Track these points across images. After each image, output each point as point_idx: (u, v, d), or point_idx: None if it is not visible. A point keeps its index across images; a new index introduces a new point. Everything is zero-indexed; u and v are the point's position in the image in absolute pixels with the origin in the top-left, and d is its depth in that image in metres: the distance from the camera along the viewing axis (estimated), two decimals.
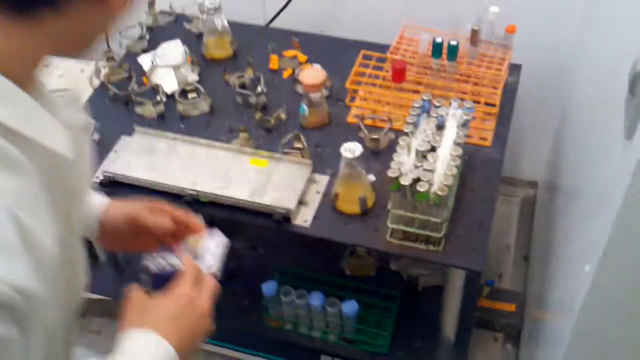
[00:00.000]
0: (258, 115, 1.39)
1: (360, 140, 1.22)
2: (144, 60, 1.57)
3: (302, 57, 1.55)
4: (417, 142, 1.13)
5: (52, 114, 0.62)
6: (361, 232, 1.19)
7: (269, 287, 1.43)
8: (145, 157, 1.32)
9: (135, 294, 0.75)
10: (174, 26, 1.68)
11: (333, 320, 1.42)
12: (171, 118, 1.43)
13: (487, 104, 1.35)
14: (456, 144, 1.15)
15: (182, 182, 1.25)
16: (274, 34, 1.65)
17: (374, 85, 1.41)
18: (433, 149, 1.13)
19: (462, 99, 1.25)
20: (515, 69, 1.48)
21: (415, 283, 1.54)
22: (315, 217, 1.22)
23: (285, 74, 1.53)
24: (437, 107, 1.21)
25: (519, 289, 1.74)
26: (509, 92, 1.43)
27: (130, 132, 1.37)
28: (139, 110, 1.44)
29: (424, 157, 1.10)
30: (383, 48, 1.45)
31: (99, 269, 1.63)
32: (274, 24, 1.73)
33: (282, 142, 1.31)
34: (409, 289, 1.53)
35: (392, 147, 1.25)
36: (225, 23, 1.55)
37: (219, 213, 1.25)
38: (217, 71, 1.53)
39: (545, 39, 1.58)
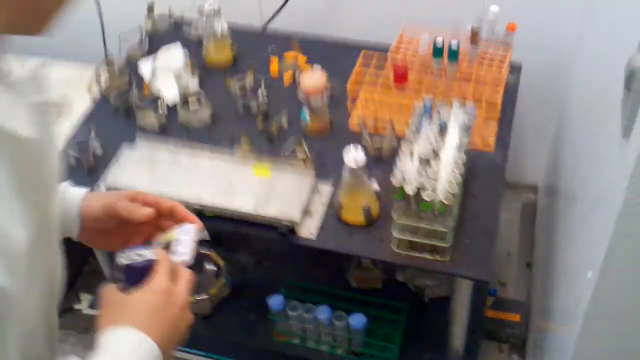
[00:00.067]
0: (260, 123, 1.38)
1: (363, 147, 1.20)
2: (144, 66, 1.55)
3: (302, 59, 1.54)
4: (420, 147, 1.12)
5: (13, 96, 0.58)
6: (367, 243, 1.17)
7: (275, 302, 1.42)
8: (147, 168, 1.31)
9: (110, 291, 0.71)
10: (173, 31, 1.67)
11: (341, 333, 1.40)
12: (173, 127, 1.42)
13: (488, 103, 1.33)
14: (459, 150, 1.13)
15: (186, 195, 1.24)
16: (274, 36, 1.63)
17: (375, 85, 1.40)
18: (436, 155, 1.11)
19: (463, 99, 1.24)
20: (515, 68, 1.46)
21: (421, 294, 1.52)
22: (321, 229, 1.20)
23: (286, 76, 1.52)
24: (438, 110, 1.19)
25: (523, 298, 1.72)
26: (510, 93, 1.41)
27: (132, 142, 1.36)
28: (140, 120, 1.43)
29: (427, 163, 1.09)
30: (383, 48, 1.44)
31: (104, 284, 1.62)
32: (272, 26, 1.72)
33: (285, 151, 1.30)
34: (415, 300, 1.51)
35: (395, 153, 1.24)
36: (225, 26, 1.54)
37: (224, 226, 1.24)
38: (218, 75, 1.52)
39: (544, 38, 1.56)
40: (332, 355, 1.45)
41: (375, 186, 1.21)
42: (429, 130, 1.15)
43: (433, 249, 1.13)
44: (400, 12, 1.52)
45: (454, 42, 1.33)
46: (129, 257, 0.73)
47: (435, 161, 1.09)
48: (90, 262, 1.84)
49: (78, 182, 0.86)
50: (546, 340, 1.33)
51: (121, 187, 1.27)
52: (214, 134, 1.40)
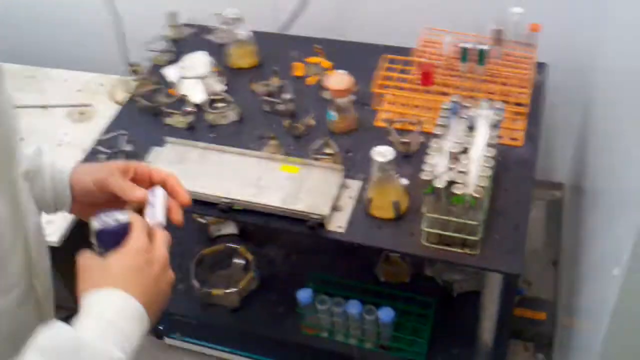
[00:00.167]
0: (287, 122, 1.39)
1: (390, 144, 1.21)
2: (170, 72, 1.58)
3: (326, 64, 1.56)
4: (449, 144, 1.12)
5: None
6: (396, 237, 1.18)
7: (304, 295, 1.43)
8: (177, 166, 1.33)
9: (86, 257, 0.69)
10: (196, 38, 1.70)
11: (370, 327, 1.41)
12: (201, 128, 1.44)
13: (516, 103, 1.33)
14: (489, 144, 1.13)
15: (216, 191, 1.26)
16: (296, 41, 1.65)
17: (401, 88, 1.40)
18: (465, 151, 1.11)
19: (490, 100, 1.24)
20: (541, 67, 1.46)
21: (450, 289, 1.52)
22: (350, 223, 1.21)
23: (310, 80, 1.53)
24: (467, 108, 1.19)
25: (549, 296, 1.71)
26: (537, 91, 1.41)
27: (161, 143, 1.38)
28: (168, 121, 1.45)
29: (457, 159, 1.09)
30: (404, 51, 1.44)
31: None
32: (294, 32, 1.74)
33: (312, 148, 1.31)
34: (444, 295, 1.51)
35: (422, 150, 1.24)
36: (248, 32, 1.56)
37: (253, 220, 1.25)
38: (243, 80, 1.54)
39: (568, 37, 1.56)
40: (360, 349, 1.46)
41: (404, 181, 1.22)
42: (457, 127, 1.15)
43: (463, 243, 1.13)
44: (421, 15, 1.52)
45: (483, 46, 1.32)
46: (103, 221, 0.71)
47: (464, 156, 1.09)
48: None
49: None
50: (572, 339, 1.33)
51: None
52: (241, 133, 1.42)
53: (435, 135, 1.14)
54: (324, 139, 1.32)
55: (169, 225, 0.77)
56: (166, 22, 1.69)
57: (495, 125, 1.17)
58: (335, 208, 1.23)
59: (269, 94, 1.48)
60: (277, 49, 1.63)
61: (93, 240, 0.71)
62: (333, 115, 1.36)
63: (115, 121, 1.49)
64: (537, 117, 1.37)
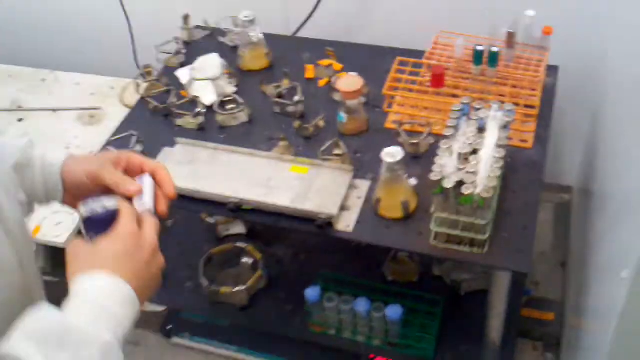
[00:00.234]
0: (297, 123, 1.41)
1: (400, 146, 1.22)
2: (182, 74, 1.60)
3: (338, 66, 1.57)
4: (459, 144, 1.13)
5: None
6: (404, 236, 1.19)
7: (312, 293, 1.45)
8: (187, 167, 1.34)
9: (76, 244, 0.69)
10: (209, 40, 1.72)
11: (377, 325, 1.43)
12: (211, 129, 1.46)
13: (526, 106, 1.35)
14: (498, 145, 1.14)
15: (225, 191, 1.27)
16: (308, 44, 1.67)
17: (411, 90, 1.42)
18: (475, 152, 1.13)
19: (501, 102, 1.25)
20: (552, 70, 1.47)
21: (457, 288, 1.53)
22: (358, 222, 1.22)
23: (321, 82, 1.55)
24: (477, 109, 1.21)
25: (557, 297, 1.73)
26: (548, 94, 1.42)
27: (171, 144, 1.40)
28: (179, 122, 1.47)
29: (466, 159, 1.10)
30: (417, 54, 1.46)
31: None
32: (305, 34, 1.75)
33: (322, 149, 1.33)
34: (452, 293, 1.52)
35: (431, 151, 1.26)
36: (261, 35, 1.58)
37: (262, 220, 1.27)
38: (254, 82, 1.55)
39: (579, 40, 1.57)
40: (368, 346, 1.48)
41: (412, 181, 1.23)
42: (467, 129, 1.16)
43: (471, 242, 1.15)
44: (433, 18, 1.53)
45: (494, 47, 1.34)
46: (91, 208, 0.71)
47: (474, 156, 1.10)
48: None
49: None
50: (581, 339, 1.34)
51: None
52: (251, 134, 1.44)
53: (445, 136, 1.16)
54: (334, 140, 1.33)
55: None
56: (178, 25, 1.71)
57: (505, 127, 1.18)
58: (343, 208, 1.24)
59: (280, 96, 1.49)
60: (288, 51, 1.64)
61: (81, 227, 0.71)
62: (343, 116, 1.38)
63: (126, 122, 1.51)
64: (547, 120, 1.38)
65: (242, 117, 1.46)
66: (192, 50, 1.67)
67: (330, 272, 1.57)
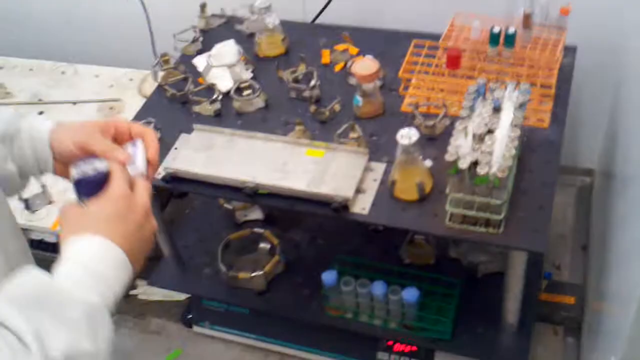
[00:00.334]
0: (312, 108, 1.41)
1: (416, 128, 1.22)
2: (199, 62, 1.62)
3: (354, 50, 1.57)
4: (474, 125, 1.13)
5: None
6: (420, 218, 1.19)
7: (329, 277, 1.45)
8: (204, 152, 1.36)
9: (68, 208, 0.69)
10: (225, 28, 1.73)
11: (394, 308, 1.43)
12: (228, 115, 1.47)
13: (543, 86, 1.34)
14: (514, 125, 1.14)
15: (241, 175, 1.28)
16: (324, 30, 1.67)
17: (426, 73, 1.42)
18: (490, 132, 1.12)
19: (517, 82, 1.24)
20: (570, 50, 1.45)
21: (474, 270, 1.53)
22: (373, 205, 1.23)
23: (337, 67, 1.55)
24: (492, 90, 1.20)
25: (578, 280, 1.71)
26: (565, 74, 1.41)
27: (188, 130, 1.41)
28: (196, 108, 1.49)
29: (482, 139, 1.10)
30: (433, 37, 1.45)
31: (163, 263, 1.69)
32: (321, 20, 1.76)
33: (338, 132, 1.33)
34: (469, 276, 1.52)
35: (447, 132, 1.26)
36: (277, 21, 1.59)
37: (278, 204, 1.28)
38: (270, 68, 1.56)
39: (598, 17, 1.54)
40: (384, 329, 1.48)
41: (428, 162, 1.23)
42: (483, 109, 1.16)
43: (486, 223, 1.14)
44: (449, 0, 1.52)
45: (511, 28, 1.32)
46: (82, 171, 0.70)
47: (489, 137, 1.10)
48: None
49: None
50: (601, 323, 1.33)
51: (180, 170, 1.32)
52: (268, 120, 1.45)
53: (461, 117, 1.16)
54: (349, 123, 1.34)
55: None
56: (196, 13, 1.72)
57: (521, 106, 1.17)
58: (359, 190, 1.25)
59: (296, 81, 1.50)
60: (304, 37, 1.65)
61: (75, 191, 0.71)
62: (359, 100, 1.38)
63: (144, 109, 1.53)
64: (565, 99, 1.36)
65: (259, 102, 1.47)
66: (208, 38, 1.68)
67: (347, 256, 1.58)
